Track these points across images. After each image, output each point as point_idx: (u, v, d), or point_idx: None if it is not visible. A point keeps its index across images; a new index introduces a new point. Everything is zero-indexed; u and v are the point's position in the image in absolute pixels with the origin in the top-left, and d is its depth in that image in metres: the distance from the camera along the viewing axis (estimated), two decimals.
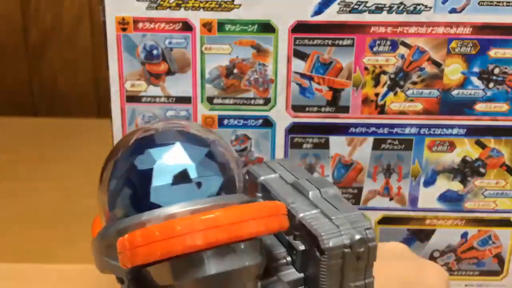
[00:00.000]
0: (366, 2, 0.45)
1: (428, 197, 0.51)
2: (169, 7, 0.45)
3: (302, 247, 0.31)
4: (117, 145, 0.32)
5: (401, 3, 0.45)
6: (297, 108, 0.48)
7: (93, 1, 0.96)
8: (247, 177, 0.37)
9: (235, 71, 0.47)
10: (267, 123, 0.49)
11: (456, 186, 0.50)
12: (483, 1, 0.45)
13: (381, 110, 0.48)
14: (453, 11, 0.46)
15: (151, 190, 0.28)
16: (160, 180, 0.29)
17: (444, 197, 0.51)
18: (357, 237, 0.29)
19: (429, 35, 0.46)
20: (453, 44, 0.47)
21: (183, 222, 0.25)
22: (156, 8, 0.45)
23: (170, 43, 0.46)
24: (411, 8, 0.46)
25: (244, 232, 0.26)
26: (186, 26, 0.46)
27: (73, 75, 1.01)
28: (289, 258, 0.32)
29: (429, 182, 0.50)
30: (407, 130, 0.49)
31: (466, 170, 0.50)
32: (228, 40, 0.46)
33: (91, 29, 0.98)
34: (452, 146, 0.49)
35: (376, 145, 0.49)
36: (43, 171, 0.81)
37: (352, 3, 0.45)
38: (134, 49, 0.46)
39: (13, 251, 0.64)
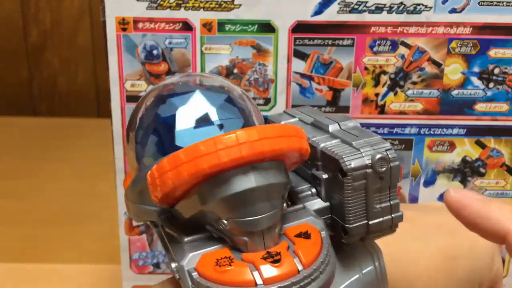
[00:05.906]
0: (366, 2, 0.45)
1: (428, 197, 0.51)
2: (169, 7, 0.45)
3: (325, 176, 0.31)
4: (137, 105, 0.33)
5: (401, 3, 0.45)
6: None
7: (93, 1, 0.96)
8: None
9: (235, 71, 0.47)
10: (267, 123, 0.49)
11: (456, 186, 0.50)
12: (483, 1, 0.45)
13: (381, 110, 0.48)
14: (453, 11, 0.46)
15: (176, 134, 0.30)
16: (183, 124, 0.30)
17: None
18: (378, 156, 0.29)
19: (429, 35, 0.46)
20: (453, 44, 0.47)
21: (206, 143, 0.26)
22: (156, 8, 0.45)
23: (170, 43, 0.46)
24: (411, 8, 0.46)
25: (266, 148, 0.26)
26: (186, 26, 0.46)
27: (73, 75, 1.01)
28: (313, 190, 0.32)
29: (429, 182, 0.50)
30: (407, 130, 0.49)
31: (466, 170, 0.50)
32: (228, 40, 0.46)
33: (91, 29, 0.98)
34: (452, 146, 0.49)
35: None
36: (43, 171, 0.81)
37: (352, 3, 0.45)
38: (134, 49, 0.46)
39: (13, 251, 0.64)
